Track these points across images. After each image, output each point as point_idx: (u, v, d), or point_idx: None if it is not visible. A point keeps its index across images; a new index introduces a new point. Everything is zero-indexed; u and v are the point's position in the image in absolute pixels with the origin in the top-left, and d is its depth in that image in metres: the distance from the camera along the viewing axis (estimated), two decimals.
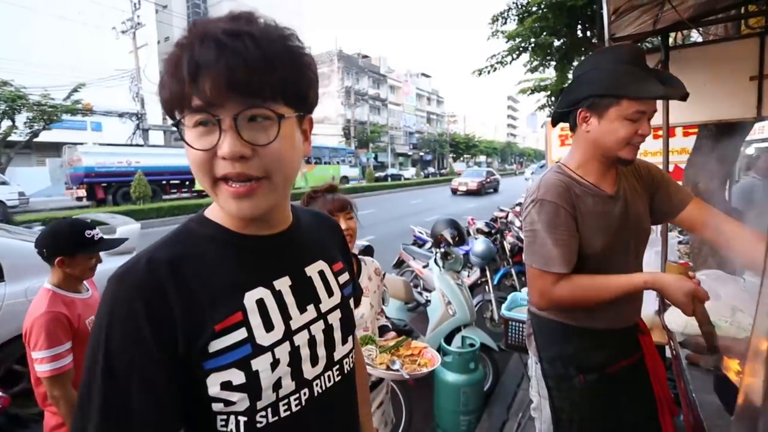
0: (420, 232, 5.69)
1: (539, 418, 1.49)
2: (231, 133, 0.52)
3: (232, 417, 0.58)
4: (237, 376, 0.56)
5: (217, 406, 0.57)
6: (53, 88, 13.75)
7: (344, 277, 0.77)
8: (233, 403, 0.57)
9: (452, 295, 3.01)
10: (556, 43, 6.86)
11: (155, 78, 25.39)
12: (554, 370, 1.30)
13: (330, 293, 0.71)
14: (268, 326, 0.60)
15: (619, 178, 1.26)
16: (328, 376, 0.68)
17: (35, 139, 14.18)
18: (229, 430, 0.59)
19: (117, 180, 15.74)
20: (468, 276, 4.25)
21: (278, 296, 0.63)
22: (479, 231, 5.02)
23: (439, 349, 2.66)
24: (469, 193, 20.97)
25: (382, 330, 1.77)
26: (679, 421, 2.06)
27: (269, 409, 0.60)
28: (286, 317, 0.62)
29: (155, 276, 0.55)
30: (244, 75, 0.50)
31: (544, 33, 6.56)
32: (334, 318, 0.70)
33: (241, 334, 0.57)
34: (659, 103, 2.24)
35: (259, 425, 0.59)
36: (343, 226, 1.50)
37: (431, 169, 43.77)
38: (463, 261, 3.52)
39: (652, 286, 1.12)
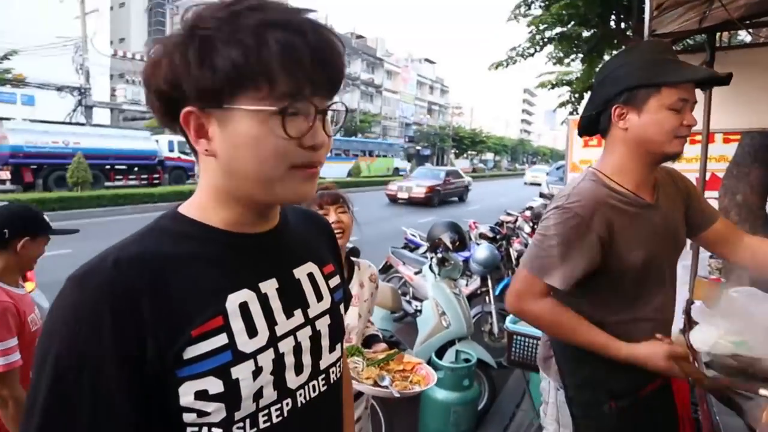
0: (413, 235, 5.75)
1: None
2: (321, 124, 0.61)
3: (205, 429, 0.60)
4: (214, 385, 0.59)
5: (188, 417, 0.59)
6: None
7: (335, 280, 0.82)
8: (207, 414, 0.59)
9: (447, 305, 3.07)
10: (585, 33, 6.98)
11: (105, 49, 25.11)
12: (582, 397, 1.34)
13: (319, 297, 0.75)
14: (252, 332, 0.63)
15: (657, 186, 1.33)
16: (313, 385, 0.71)
17: None
18: None
19: (50, 162, 15.50)
20: (467, 285, 4.33)
21: (264, 300, 0.66)
22: (482, 236, 5.11)
23: (429, 364, 2.70)
24: (413, 202, 16.79)
25: (371, 340, 1.82)
26: None
27: (247, 420, 0.62)
28: (271, 322, 0.66)
29: (123, 276, 0.57)
30: (342, 70, 0.63)
31: (572, 22, 6.67)
32: (323, 324, 0.74)
33: (221, 339, 0.60)
34: (699, 107, 2.33)
35: None
36: (332, 219, 1.58)
37: (429, 165, 43.90)
38: (462, 268, 3.58)
39: (627, 360, 1.21)
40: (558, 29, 6.90)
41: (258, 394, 0.62)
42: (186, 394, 0.58)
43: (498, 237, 5.09)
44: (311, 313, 0.72)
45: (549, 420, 1.57)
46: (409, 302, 3.88)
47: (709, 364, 1.57)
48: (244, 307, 0.63)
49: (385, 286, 3.65)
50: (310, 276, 0.75)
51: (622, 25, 6.58)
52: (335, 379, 0.77)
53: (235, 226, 0.66)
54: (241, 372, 0.61)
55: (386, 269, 5.00)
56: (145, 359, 0.55)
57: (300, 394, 0.69)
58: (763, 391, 1.28)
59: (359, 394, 1.76)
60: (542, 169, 31.62)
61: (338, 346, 0.78)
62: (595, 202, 1.23)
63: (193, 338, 0.58)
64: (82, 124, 18.89)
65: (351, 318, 1.66)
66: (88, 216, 11.01)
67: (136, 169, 17.92)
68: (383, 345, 1.77)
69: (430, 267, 3.36)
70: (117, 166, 17.37)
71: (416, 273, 4.29)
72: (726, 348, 1.50)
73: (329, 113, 0.64)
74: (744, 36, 4.06)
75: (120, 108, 27.07)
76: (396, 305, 3.51)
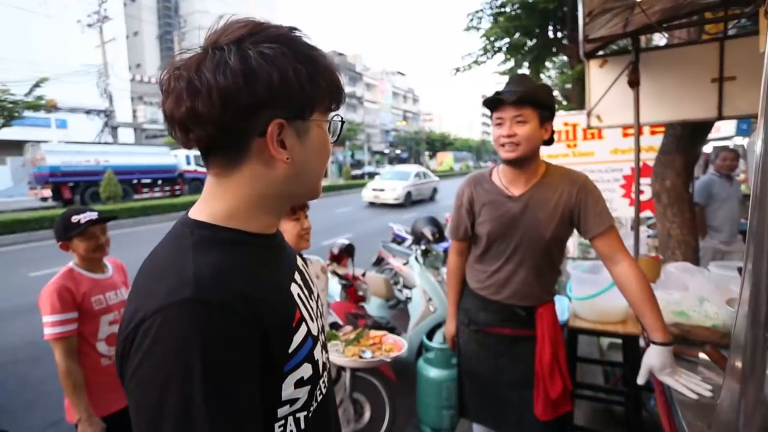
0: (399, 230, 5.71)
1: None
2: None
3: (290, 419, 0.57)
4: (307, 370, 0.58)
5: (282, 411, 0.56)
6: (13, 83, 12.96)
7: None
8: (297, 401, 0.57)
9: (433, 291, 3.04)
10: (529, 43, 6.99)
11: (124, 74, 24.51)
12: (459, 317, 1.69)
13: (311, 283, 0.74)
14: (310, 317, 0.63)
15: (532, 187, 1.47)
16: (327, 358, 0.71)
17: None
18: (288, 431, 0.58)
19: (85, 179, 15.06)
20: None
21: (301, 288, 0.66)
22: None
23: (422, 345, 2.68)
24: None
25: (335, 326, 1.79)
26: (651, 406, 2.16)
27: (316, 396, 0.61)
28: (311, 307, 0.66)
29: (222, 292, 0.49)
30: None
31: (518, 33, 6.68)
32: (322, 306, 0.76)
33: (304, 328, 0.59)
34: (629, 104, 2.33)
35: (308, 416, 0.60)
36: (306, 225, 1.48)
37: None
38: (443, 258, 3.56)
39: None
40: (506, 40, 6.86)
41: (324, 368, 0.64)
42: (288, 386, 0.55)
43: None
44: (314, 297, 0.71)
45: None
46: (400, 291, 3.84)
47: None
48: (299, 297, 0.62)
49: (379, 277, 3.62)
50: (303, 267, 0.74)
51: (559, 34, 6.61)
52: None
53: (265, 229, 0.61)
54: (317, 353, 0.61)
55: (379, 262, 4.95)
56: (274, 362, 0.53)
57: (326, 366, 0.69)
58: (702, 355, 1.27)
59: (337, 378, 1.72)
60: None
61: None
62: (468, 182, 1.61)
63: (294, 329, 0.57)
64: (110, 143, 18.42)
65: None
66: (120, 227, 10.75)
67: (159, 182, 17.47)
68: (349, 327, 1.75)
69: (416, 258, 3.32)
70: (143, 180, 16.91)
71: (404, 264, 4.26)
72: (668, 318, 1.48)
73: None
74: (659, 40, 4.05)
75: (141, 127, 26.43)
76: (389, 294, 3.48)
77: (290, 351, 0.55)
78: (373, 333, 1.63)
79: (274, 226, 0.64)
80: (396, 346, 1.54)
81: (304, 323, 0.60)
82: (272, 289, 0.57)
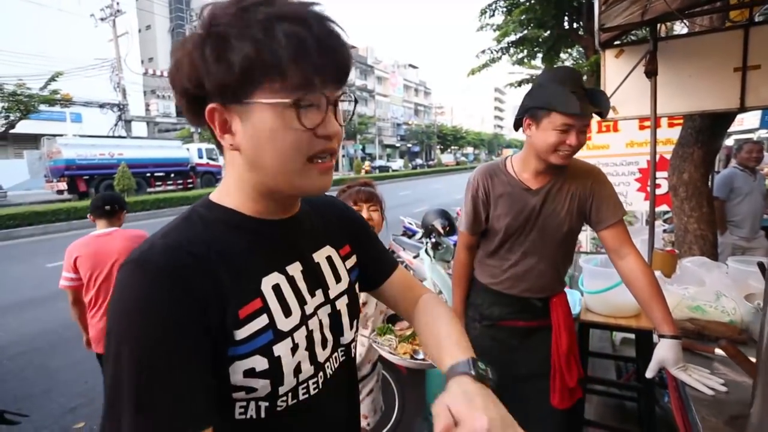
0: (410, 223, 5.70)
1: None
2: (332, 114, 0.56)
3: (252, 403, 0.58)
4: (260, 363, 0.56)
5: (238, 395, 0.56)
6: (28, 78, 13.26)
7: (351, 261, 0.77)
8: (255, 390, 0.56)
9: (443, 284, 3.03)
10: (544, 35, 6.89)
11: (137, 68, 24.79)
12: (467, 313, 1.65)
13: (338, 279, 0.71)
14: (287, 311, 0.60)
15: (550, 181, 1.44)
16: (335, 357, 0.69)
17: (11, 131, 13.71)
18: (248, 416, 0.58)
19: (100, 172, 15.36)
20: None
21: (292, 281, 0.62)
22: None
23: None
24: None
25: (394, 319, 1.75)
26: (665, 402, 2.13)
27: (289, 394, 0.60)
28: (301, 302, 0.62)
29: (178, 260, 0.52)
30: (349, 58, 0.55)
31: (532, 25, 6.59)
32: (342, 304, 0.70)
33: (263, 320, 0.57)
34: (646, 96, 2.28)
35: (278, 409, 0.59)
36: (365, 216, 1.51)
37: (419, 161, 43.80)
38: (453, 251, 3.55)
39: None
40: (520, 33, 6.75)
41: (297, 369, 0.60)
42: (236, 373, 0.54)
43: None
44: (331, 294, 0.68)
45: None
46: None
47: None
48: (277, 289, 0.60)
49: None
50: (329, 259, 0.71)
51: (575, 25, 6.49)
52: (354, 353, 0.76)
53: (263, 214, 0.61)
54: (282, 349, 0.58)
55: None
56: (210, 335, 0.52)
57: (327, 366, 0.66)
58: (717, 351, 1.27)
59: (372, 369, 1.72)
60: None
61: (355, 322, 0.74)
62: (481, 173, 1.52)
63: (241, 319, 0.54)
64: (124, 137, 18.69)
65: (370, 308, 1.60)
66: (133, 219, 10.94)
67: (172, 175, 17.70)
68: (406, 322, 1.71)
69: (426, 251, 3.31)
70: (156, 174, 17.16)
71: (414, 257, 4.26)
72: (683, 313, 1.48)
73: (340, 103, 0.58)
74: (681, 28, 3.95)
75: (154, 121, 26.77)
76: None
77: (237, 338, 0.54)
78: None
79: (276, 213, 0.63)
80: None
81: (265, 315, 0.57)
82: (229, 273, 0.55)
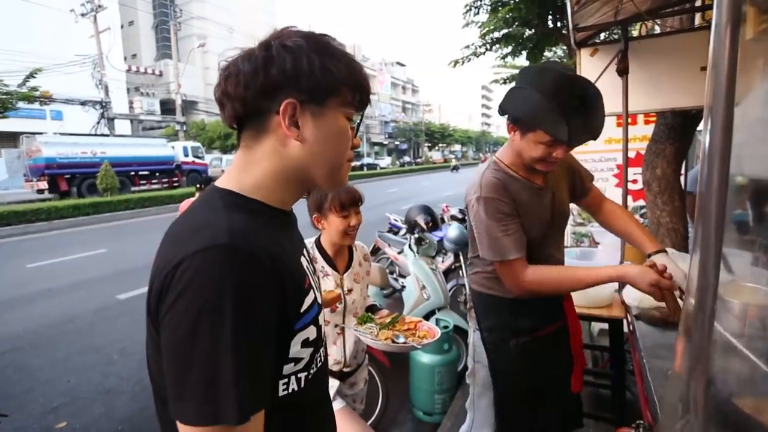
0: (395, 220, 5.74)
1: (473, 383, 1.78)
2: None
3: (293, 377, 0.64)
4: (312, 333, 0.65)
5: (287, 368, 0.62)
6: (5, 74, 12.89)
7: None
8: (301, 360, 0.64)
9: (426, 279, 3.08)
10: (528, 33, 6.95)
11: (120, 65, 24.27)
12: (492, 336, 1.53)
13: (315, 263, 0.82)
14: (317, 287, 0.71)
15: (546, 173, 1.41)
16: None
17: None
18: (290, 389, 0.64)
19: (81, 171, 15.04)
20: (442, 261, 4.33)
21: (308, 262, 0.73)
22: (453, 218, 5.11)
23: None
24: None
25: (373, 309, 1.79)
26: (634, 393, 2.21)
27: (317, 359, 0.68)
28: (316, 281, 0.73)
29: (257, 246, 0.56)
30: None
31: (516, 23, 6.64)
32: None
33: (312, 294, 0.66)
34: (617, 93, 2.35)
35: (309, 377, 0.67)
36: (353, 222, 1.51)
37: (407, 158, 43.88)
38: (436, 246, 3.59)
39: (619, 279, 1.28)
40: (504, 30, 6.80)
41: (324, 336, 0.71)
42: (296, 344, 0.62)
43: (467, 218, 5.08)
44: (316, 275, 0.77)
45: (468, 359, 1.79)
46: (396, 279, 3.87)
47: (638, 316, 1.61)
48: (307, 269, 0.69)
49: (375, 266, 3.65)
50: (306, 247, 0.81)
51: (558, 24, 6.57)
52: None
53: (282, 205, 0.67)
54: (321, 319, 0.69)
55: (375, 252, 4.99)
56: (288, 314, 0.60)
57: (324, 335, 0.75)
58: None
59: (365, 357, 1.76)
60: None
61: None
62: (500, 185, 1.34)
63: (305, 296, 0.63)
64: (107, 135, 18.33)
65: (356, 294, 1.62)
66: (118, 218, 10.76)
67: (157, 174, 17.43)
68: (385, 311, 1.74)
69: (410, 246, 3.36)
70: (140, 172, 16.88)
71: (399, 253, 4.30)
72: (650, 302, 1.55)
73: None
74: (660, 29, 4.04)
75: (138, 119, 26.27)
76: (385, 283, 3.51)
77: (302, 311, 0.62)
78: (409, 318, 1.62)
79: (289, 203, 0.70)
80: (430, 333, 1.54)
81: (312, 290, 0.66)
82: (288, 255, 0.63)
